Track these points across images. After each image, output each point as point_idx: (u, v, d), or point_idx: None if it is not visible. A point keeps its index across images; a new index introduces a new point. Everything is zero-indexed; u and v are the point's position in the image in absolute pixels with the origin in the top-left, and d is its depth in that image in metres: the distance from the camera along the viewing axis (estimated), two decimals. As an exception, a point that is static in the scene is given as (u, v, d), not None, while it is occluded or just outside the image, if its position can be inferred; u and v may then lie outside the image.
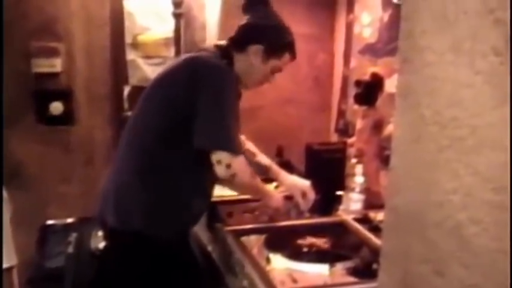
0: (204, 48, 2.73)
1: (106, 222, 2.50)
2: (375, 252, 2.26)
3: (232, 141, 2.34)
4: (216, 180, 2.54)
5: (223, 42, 2.65)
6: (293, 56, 2.68)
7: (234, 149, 2.34)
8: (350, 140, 3.47)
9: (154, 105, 2.48)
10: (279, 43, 2.62)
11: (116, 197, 2.49)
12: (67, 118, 4.15)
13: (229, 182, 2.41)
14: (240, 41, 2.59)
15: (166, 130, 2.40)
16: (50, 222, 3.98)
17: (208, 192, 2.63)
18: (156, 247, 2.44)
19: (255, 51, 2.57)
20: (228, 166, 2.32)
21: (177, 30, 4.17)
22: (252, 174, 2.49)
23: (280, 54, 2.62)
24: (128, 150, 2.53)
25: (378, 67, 3.40)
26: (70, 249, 3.73)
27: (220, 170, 2.33)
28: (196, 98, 2.32)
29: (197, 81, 2.34)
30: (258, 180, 2.58)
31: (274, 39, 2.60)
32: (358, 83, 3.27)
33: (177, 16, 4.11)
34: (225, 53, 2.57)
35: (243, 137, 2.91)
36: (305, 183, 2.82)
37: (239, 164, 2.36)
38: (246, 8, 2.66)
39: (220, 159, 2.32)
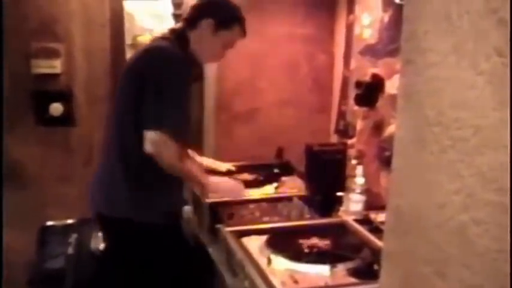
0: (161, 36, 2.91)
1: (98, 211, 2.85)
2: (376, 253, 2.26)
3: (161, 121, 2.58)
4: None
5: (178, 25, 2.95)
6: (243, 32, 2.93)
7: (161, 127, 2.56)
8: (350, 141, 3.47)
9: (123, 97, 2.78)
10: (227, 16, 2.85)
11: (104, 186, 2.83)
12: (67, 119, 4.15)
13: (155, 158, 2.59)
14: (192, 18, 2.86)
15: (133, 119, 2.65)
16: (49, 223, 3.98)
17: None
18: (147, 232, 2.72)
19: (205, 25, 2.82)
20: (153, 143, 2.56)
21: (177, 31, 4.17)
22: (181, 157, 2.70)
23: (229, 26, 2.85)
24: (111, 142, 2.82)
25: (378, 68, 3.40)
26: (70, 250, 3.73)
27: (147, 146, 2.56)
28: (147, 87, 2.59)
29: (148, 72, 2.63)
30: (186, 165, 2.79)
31: (223, 12, 2.85)
32: (358, 84, 3.27)
33: (177, 17, 4.12)
34: (180, 35, 2.84)
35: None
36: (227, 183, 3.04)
37: (165, 143, 2.57)
38: None
39: (148, 136, 2.56)
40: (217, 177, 3.04)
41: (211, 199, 3.02)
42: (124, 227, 2.75)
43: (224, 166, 3.53)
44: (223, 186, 2.96)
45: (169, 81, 2.61)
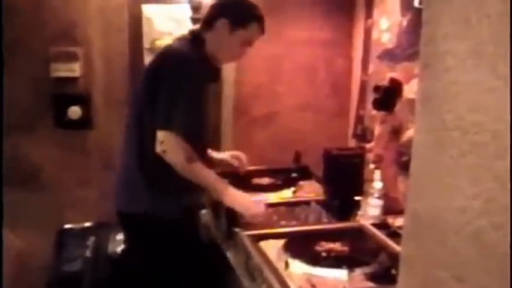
0: (179, 37, 2.98)
1: (118, 209, 2.93)
2: (394, 257, 2.25)
3: (170, 121, 2.64)
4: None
5: (197, 27, 3.04)
6: (261, 29, 2.92)
7: (170, 128, 2.63)
8: (368, 146, 3.46)
9: (141, 98, 2.80)
10: (242, 14, 2.87)
11: (124, 184, 2.92)
12: (85, 122, 4.16)
13: (164, 158, 2.66)
14: (208, 19, 2.90)
15: (151, 119, 2.70)
16: (67, 226, 4.00)
17: None
18: (163, 227, 2.80)
19: (221, 24, 2.84)
20: (161, 143, 2.64)
21: (195, 35, 4.17)
22: (189, 158, 2.68)
23: (245, 24, 2.86)
24: (131, 142, 2.87)
25: (396, 72, 3.38)
26: (88, 253, 3.75)
27: (156, 146, 2.64)
28: (161, 88, 2.65)
29: (160, 72, 2.70)
30: (197, 166, 2.73)
31: (238, 11, 2.87)
32: (376, 89, 3.26)
33: (195, 21, 4.11)
34: (197, 36, 2.89)
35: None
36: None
37: (171, 142, 2.64)
38: None
39: (157, 136, 2.64)
40: (239, 191, 2.88)
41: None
42: (141, 222, 2.83)
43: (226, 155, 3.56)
44: (241, 203, 2.81)
45: (180, 82, 2.66)
